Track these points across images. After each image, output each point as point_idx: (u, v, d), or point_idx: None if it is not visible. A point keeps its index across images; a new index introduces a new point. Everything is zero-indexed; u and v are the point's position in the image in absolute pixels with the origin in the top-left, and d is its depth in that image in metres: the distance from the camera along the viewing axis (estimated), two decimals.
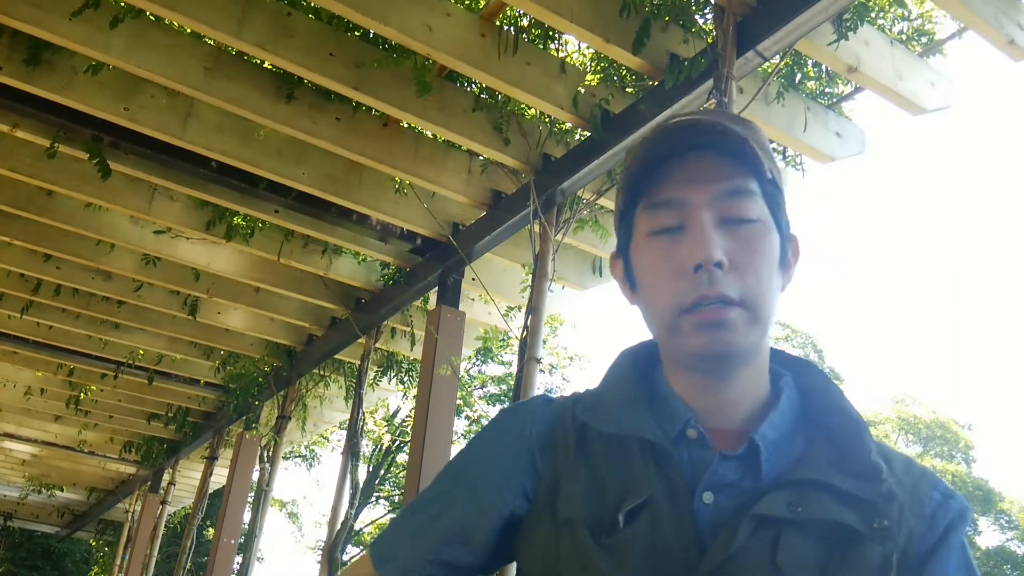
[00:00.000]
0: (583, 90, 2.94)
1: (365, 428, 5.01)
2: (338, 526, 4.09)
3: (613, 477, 0.78)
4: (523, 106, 3.16)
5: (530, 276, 3.23)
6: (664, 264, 0.78)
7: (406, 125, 3.36)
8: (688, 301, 0.75)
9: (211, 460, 6.45)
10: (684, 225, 0.77)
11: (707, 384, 0.79)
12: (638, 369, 0.87)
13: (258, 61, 3.05)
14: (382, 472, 15.48)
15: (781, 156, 3.26)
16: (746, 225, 0.77)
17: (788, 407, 0.80)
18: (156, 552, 7.35)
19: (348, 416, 4.66)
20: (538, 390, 3.72)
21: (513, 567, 0.84)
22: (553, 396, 0.91)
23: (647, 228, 0.80)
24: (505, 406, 0.93)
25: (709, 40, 2.61)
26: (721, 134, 0.77)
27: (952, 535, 0.74)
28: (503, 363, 14.02)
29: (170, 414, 6.74)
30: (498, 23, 2.84)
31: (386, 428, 14.59)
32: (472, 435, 7.40)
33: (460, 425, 13.77)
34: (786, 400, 0.80)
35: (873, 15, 2.71)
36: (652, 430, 0.78)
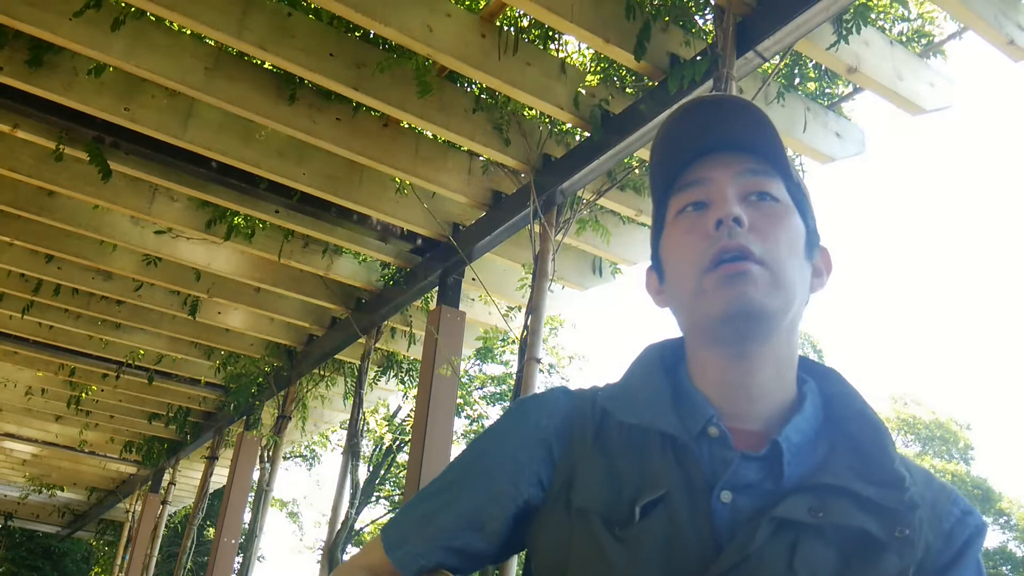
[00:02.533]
0: (583, 90, 2.94)
1: (365, 428, 5.02)
2: (338, 526, 4.10)
3: (631, 469, 0.77)
4: (523, 106, 3.16)
5: (530, 276, 3.23)
6: (689, 234, 0.80)
7: (406, 125, 3.36)
8: (709, 257, 0.76)
9: (211, 460, 6.46)
10: (708, 201, 0.80)
11: (732, 364, 0.78)
12: (664, 364, 0.86)
13: (258, 61, 3.05)
14: (382, 472, 15.48)
15: None
16: (768, 199, 0.80)
17: (812, 412, 0.79)
18: (156, 552, 7.36)
19: (348, 416, 4.66)
20: (538, 390, 3.73)
21: (512, 561, 0.84)
22: (572, 388, 0.91)
23: (676, 208, 0.83)
24: (523, 396, 0.92)
25: (709, 41, 2.62)
26: (747, 111, 0.81)
27: (968, 552, 0.74)
28: (503, 363, 14.02)
29: (170, 414, 6.74)
30: (498, 23, 2.84)
31: (386, 428, 14.59)
32: (473, 434, 7.42)
33: (460, 425, 13.78)
34: (810, 405, 0.80)
35: (873, 16, 2.71)
36: (674, 424, 0.78)
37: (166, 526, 7.82)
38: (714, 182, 0.81)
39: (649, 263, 0.91)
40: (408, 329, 4.73)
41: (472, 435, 13.56)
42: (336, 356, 4.99)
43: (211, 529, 12.84)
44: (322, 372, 5.26)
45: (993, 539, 22.55)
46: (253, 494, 5.50)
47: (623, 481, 0.77)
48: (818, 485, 0.72)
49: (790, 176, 0.82)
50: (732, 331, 0.77)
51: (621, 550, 0.72)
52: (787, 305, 0.77)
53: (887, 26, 2.81)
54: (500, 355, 13.52)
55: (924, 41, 2.86)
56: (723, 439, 0.76)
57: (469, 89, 3.18)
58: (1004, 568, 21.69)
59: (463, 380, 13.59)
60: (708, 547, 0.70)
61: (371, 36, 2.95)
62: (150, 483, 7.97)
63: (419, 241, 4.01)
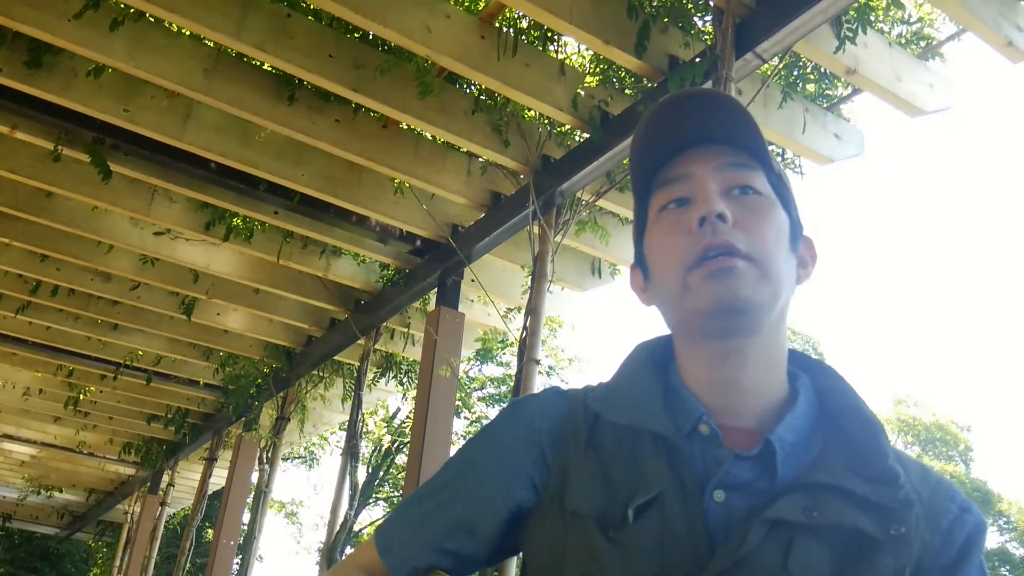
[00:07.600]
0: (582, 92, 2.94)
1: (364, 429, 5.01)
2: (337, 527, 4.09)
3: (623, 471, 0.77)
4: (522, 108, 3.16)
5: (530, 277, 3.23)
6: (673, 231, 0.80)
7: (405, 126, 3.36)
8: (695, 254, 0.76)
9: (210, 461, 6.45)
10: (691, 197, 0.80)
11: (721, 360, 0.78)
12: (654, 363, 0.86)
13: (257, 63, 3.05)
14: (381, 473, 15.48)
15: (780, 158, 3.27)
16: (751, 193, 0.80)
17: (806, 409, 0.79)
18: (155, 553, 7.35)
19: (347, 417, 4.66)
20: (537, 391, 3.72)
21: (511, 562, 0.84)
22: (565, 388, 0.90)
23: (658, 205, 0.83)
24: (517, 397, 0.92)
25: (708, 42, 2.62)
26: (726, 104, 0.80)
27: (972, 553, 0.73)
28: (502, 364, 14.02)
29: (169, 415, 6.73)
30: (497, 25, 2.84)
31: (385, 429, 14.59)
32: (472, 433, 7.33)
33: (459, 426, 13.78)
34: (804, 401, 0.79)
35: (872, 18, 2.71)
36: (665, 424, 0.77)
37: (165, 527, 7.81)
38: (695, 177, 0.80)
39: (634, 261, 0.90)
40: (407, 330, 4.73)
41: (472, 433, 13.56)
42: (335, 357, 4.99)
43: (210, 530, 12.82)
44: (321, 373, 5.25)
45: (992, 540, 22.56)
46: (252, 495, 5.50)
47: (616, 483, 0.76)
48: (812, 484, 0.71)
49: (771, 168, 0.82)
50: (720, 326, 0.76)
51: (615, 552, 0.72)
52: (775, 297, 0.77)
53: (886, 28, 2.81)
54: (499, 356, 13.52)
55: (923, 43, 2.86)
56: (714, 437, 0.76)
57: (468, 90, 3.18)
58: (1003, 569, 21.70)
59: (462, 381, 13.59)
60: (703, 547, 0.70)
61: (370, 37, 2.95)
62: (149, 484, 7.96)
63: (418, 242, 4.01)
